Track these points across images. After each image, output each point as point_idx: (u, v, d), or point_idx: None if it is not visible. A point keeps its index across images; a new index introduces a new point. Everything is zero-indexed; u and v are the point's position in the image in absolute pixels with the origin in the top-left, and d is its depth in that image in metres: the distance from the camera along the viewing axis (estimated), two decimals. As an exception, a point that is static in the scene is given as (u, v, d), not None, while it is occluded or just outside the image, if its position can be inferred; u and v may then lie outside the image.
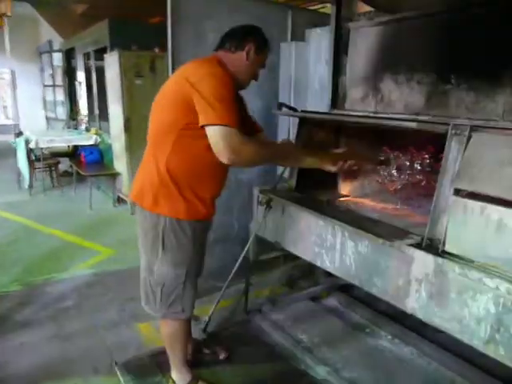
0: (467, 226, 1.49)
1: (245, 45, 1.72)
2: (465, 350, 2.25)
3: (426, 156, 2.26)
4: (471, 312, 1.48)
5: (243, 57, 1.72)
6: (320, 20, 2.96)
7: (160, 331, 1.92)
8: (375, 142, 2.51)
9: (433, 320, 1.62)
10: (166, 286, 1.74)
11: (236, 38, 1.73)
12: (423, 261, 1.62)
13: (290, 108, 2.25)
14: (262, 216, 2.33)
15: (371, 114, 2.17)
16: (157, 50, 4.56)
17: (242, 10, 2.52)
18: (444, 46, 1.87)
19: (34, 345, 2.33)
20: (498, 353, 1.43)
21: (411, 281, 1.68)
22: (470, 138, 1.53)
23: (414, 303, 1.68)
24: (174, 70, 2.32)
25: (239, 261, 2.33)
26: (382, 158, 2.15)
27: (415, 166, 2.24)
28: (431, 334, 2.48)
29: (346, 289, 2.94)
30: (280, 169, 2.44)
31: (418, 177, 2.25)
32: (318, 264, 2.16)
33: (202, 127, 1.55)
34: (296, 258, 3.03)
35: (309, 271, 3.13)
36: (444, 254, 1.57)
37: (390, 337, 2.48)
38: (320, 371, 2.06)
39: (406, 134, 2.43)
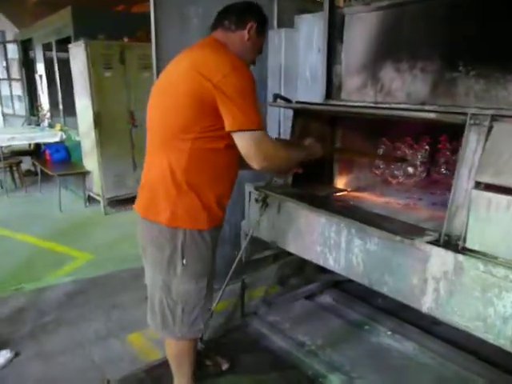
0: (491, 220, 1.42)
1: (246, 22, 1.54)
2: (464, 342, 2.23)
3: (427, 147, 2.20)
4: (497, 310, 1.42)
5: (244, 36, 1.55)
6: (306, 6, 2.84)
7: (167, 351, 1.75)
8: (372, 133, 2.44)
9: (452, 319, 1.55)
10: (188, 303, 1.58)
11: (236, 14, 1.56)
12: (442, 258, 1.54)
13: (285, 99, 2.13)
14: (259, 214, 2.20)
15: (372, 104, 2.07)
16: (126, 39, 4.30)
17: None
18: (451, 31, 1.78)
19: (13, 367, 2.12)
20: (528, 352, 1.37)
21: (428, 279, 1.60)
22: (491, 128, 1.46)
23: (431, 302, 1.60)
24: (158, 57, 2.14)
25: (235, 262, 2.20)
26: (398, 156, 2.05)
27: (417, 157, 2.17)
28: (428, 326, 2.46)
29: (339, 285, 2.87)
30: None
31: (419, 169, 2.18)
32: (321, 263, 2.06)
33: (224, 129, 1.42)
34: (286, 255, 2.96)
35: (299, 268, 3.04)
36: (464, 250, 1.50)
37: (389, 332, 2.42)
38: (334, 380, 1.96)
39: (403, 124, 2.37)
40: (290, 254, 2.80)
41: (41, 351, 2.22)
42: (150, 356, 2.13)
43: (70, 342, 2.29)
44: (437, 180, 2.27)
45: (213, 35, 1.59)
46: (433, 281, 1.58)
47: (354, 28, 2.15)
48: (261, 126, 1.43)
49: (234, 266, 2.19)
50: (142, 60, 4.31)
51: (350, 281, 2.80)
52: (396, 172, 2.13)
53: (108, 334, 2.35)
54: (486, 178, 1.42)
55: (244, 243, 2.24)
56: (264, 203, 2.19)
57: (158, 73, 2.15)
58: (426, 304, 1.62)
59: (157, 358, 2.08)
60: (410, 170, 2.11)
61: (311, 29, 2.40)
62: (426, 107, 1.84)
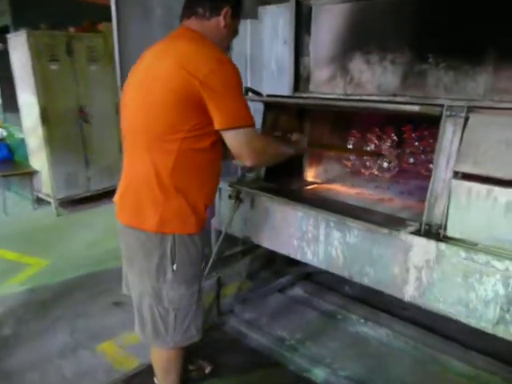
0: (471, 209, 1.46)
1: (221, 8, 1.44)
2: (430, 323, 2.33)
3: (395, 137, 2.24)
4: (478, 295, 1.47)
5: (220, 22, 1.45)
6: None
7: (153, 358, 1.67)
8: (340, 124, 2.45)
9: (435, 306, 1.59)
10: (181, 309, 1.50)
11: (209, 1, 1.45)
12: (424, 247, 1.57)
13: (256, 93, 2.08)
14: (232, 211, 2.15)
15: (342, 96, 2.07)
16: (72, 29, 4.03)
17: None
18: (420, 23, 1.81)
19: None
20: (509, 332, 1.43)
21: (410, 268, 1.63)
22: (467, 119, 1.50)
23: (414, 291, 1.64)
24: (120, 50, 2.02)
25: (211, 261, 2.14)
26: (375, 151, 2.07)
27: (390, 150, 2.21)
28: (398, 311, 2.54)
29: (309, 277, 2.90)
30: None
31: (390, 160, 2.22)
32: (298, 258, 2.05)
33: (210, 126, 1.36)
34: (255, 249, 2.93)
35: (269, 262, 3.02)
36: (446, 238, 1.54)
37: (362, 320, 2.47)
38: (318, 373, 1.97)
39: (370, 116, 2.40)
40: (258, 247, 2.79)
41: (2, 370, 2.05)
42: (125, 365, 2.02)
43: (35, 357, 2.12)
44: (402, 169, 2.33)
45: (186, 25, 1.48)
46: (415, 270, 1.62)
47: (322, 20, 2.14)
48: (251, 121, 1.39)
49: (209, 265, 2.13)
50: (91, 52, 4.07)
51: (320, 272, 2.89)
52: (368, 163, 2.15)
53: (76, 345, 2.21)
54: (466, 168, 1.46)
55: (218, 241, 2.18)
56: (238, 199, 2.14)
57: (122, 66, 2.02)
58: (409, 293, 1.66)
59: (133, 366, 1.98)
60: (383, 161, 2.14)
61: (276, 20, 2.36)
62: (397, 98, 1.87)
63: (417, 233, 1.60)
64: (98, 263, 3.10)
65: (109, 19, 4.05)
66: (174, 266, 1.44)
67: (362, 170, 2.17)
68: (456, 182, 1.49)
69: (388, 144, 2.17)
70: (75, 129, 4.11)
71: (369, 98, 1.89)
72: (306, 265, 2.73)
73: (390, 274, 1.70)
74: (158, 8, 2.15)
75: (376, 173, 2.18)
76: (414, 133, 2.24)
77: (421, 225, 1.61)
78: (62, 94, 3.94)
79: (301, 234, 2.00)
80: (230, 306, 2.45)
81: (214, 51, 1.36)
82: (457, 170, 1.48)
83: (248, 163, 1.44)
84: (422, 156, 2.19)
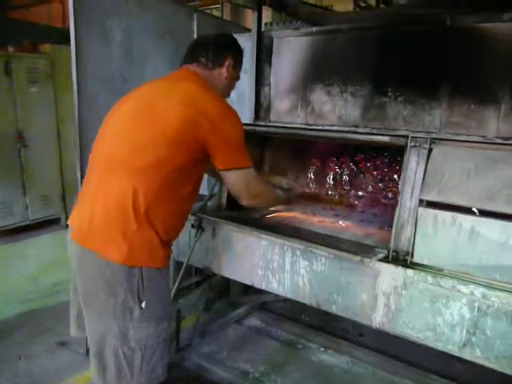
0: (437, 235, 1.53)
1: (224, 59, 1.53)
2: (384, 348, 2.38)
3: (353, 166, 2.31)
4: (445, 319, 1.52)
5: (222, 73, 1.54)
6: (224, 27, 2.84)
7: None
8: (298, 154, 2.50)
9: (403, 332, 1.62)
10: (148, 349, 1.38)
11: (212, 51, 1.52)
12: (392, 274, 1.61)
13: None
14: (194, 240, 2.08)
15: (305, 126, 2.11)
16: (11, 48, 3.81)
17: (151, 9, 2.24)
18: (380, 59, 1.92)
19: None
20: (475, 355, 1.48)
21: (378, 295, 1.66)
22: (430, 150, 1.58)
23: (382, 317, 1.66)
24: (79, 73, 1.92)
25: (172, 294, 2.03)
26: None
27: (344, 177, 2.27)
28: (355, 338, 2.57)
29: (264, 305, 2.86)
30: (210, 185, 2.22)
31: (345, 187, 2.28)
32: (263, 287, 2.01)
33: (197, 163, 1.40)
34: (209, 279, 2.85)
35: (223, 291, 2.95)
36: (413, 265, 1.59)
37: (322, 348, 2.46)
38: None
39: (327, 145, 2.47)
40: (212, 277, 2.72)
41: None
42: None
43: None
44: (358, 197, 2.41)
45: (191, 69, 1.52)
46: (383, 296, 1.64)
47: (283, 51, 2.20)
48: (251, 163, 1.47)
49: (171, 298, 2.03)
50: (31, 73, 3.85)
51: (275, 301, 2.87)
52: (330, 192, 2.19)
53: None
54: (431, 196, 1.53)
55: (180, 273, 2.09)
56: (200, 228, 2.08)
57: (79, 90, 1.92)
58: (377, 319, 1.68)
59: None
60: (343, 189, 2.20)
61: (237, 50, 2.38)
62: (360, 129, 1.95)
63: (384, 260, 1.64)
64: (39, 299, 2.85)
65: (55, 41, 3.93)
66: (143, 304, 1.34)
67: (324, 198, 2.21)
68: (422, 210, 1.55)
69: (346, 172, 2.23)
70: (12, 154, 3.81)
71: (334, 129, 1.95)
72: (260, 293, 2.71)
73: (358, 301, 1.71)
74: (118, 32, 2.09)
75: (334, 198, 2.23)
76: (368, 162, 2.33)
77: (388, 252, 1.65)
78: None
79: (265, 263, 1.97)
80: (188, 340, 2.34)
81: (221, 100, 1.44)
82: (422, 198, 1.55)
83: (244, 202, 1.54)
84: (379, 184, 2.27)
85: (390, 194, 2.05)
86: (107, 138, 1.42)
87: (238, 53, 1.60)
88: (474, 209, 1.46)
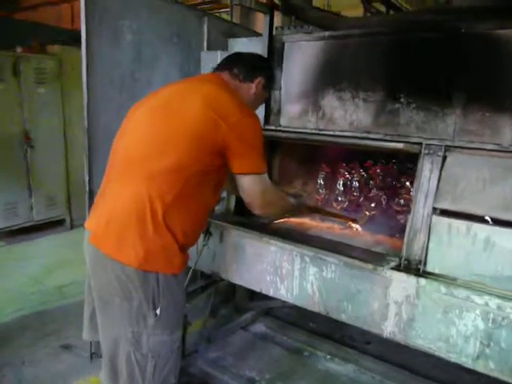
0: (451, 244, 1.50)
1: (255, 77, 1.57)
2: (391, 357, 2.35)
3: (363, 173, 2.29)
4: (459, 330, 1.49)
5: (251, 89, 1.57)
6: (233, 30, 2.82)
7: None
8: (308, 159, 2.48)
9: (415, 342, 1.59)
10: (161, 357, 1.36)
11: (247, 67, 1.57)
12: (403, 282, 1.58)
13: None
14: (202, 244, 2.06)
15: (315, 131, 2.09)
16: (19, 49, 3.81)
17: (161, 12, 2.23)
18: (392, 64, 1.89)
19: None
20: (488, 367, 1.45)
21: (389, 304, 1.63)
22: (444, 157, 1.56)
23: (393, 327, 1.63)
24: (89, 74, 1.91)
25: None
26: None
27: (354, 183, 2.25)
28: (361, 346, 2.54)
29: (270, 311, 2.83)
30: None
31: (355, 194, 2.26)
32: (271, 294, 1.99)
33: (217, 168, 1.39)
34: (215, 284, 2.83)
35: (228, 296, 2.93)
36: (425, 274, 1.56)
37: (329, 356, 2.43)
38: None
39: (336, 151, 2.45)
40: (217, 282, 2.69)
41: None
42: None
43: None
44: (365, 203, 2.38)
45: (221, 76, 1.55)
46: (394, 305, 1.62)
47: (295, 55, 2.18)
48: (266, 170, 1.45)
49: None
50: (40, 74, 3.85)
51: (281, 307, 2.84)
52: (339, 198, 2.17)
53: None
54: (446, 205, 1.51)
55: (187, 278, 2.06)
56: (207, 232, 2.06)
57: (89, 91, 1.91)
58: (388, 329, 1.65)
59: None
60: (352, 195, 2.17)
61: (247, 53, 2.37)
62: (371, 135, 1.92)
63: (396, 268, 1.61)
64: (43, 301, 2.83)
65: (64, 42, 3.93)
66: (158, 311, 1.32)
67: (334, 205, 2.19)
68: (436, 218, 1.53)
69: (356, 179, 2.21)
70: (19, 154, 3.81)
71: (347, 134, 1.93)
72: (266, 299, 2.68)
73: (368, 309, 1.69)
74: (128, 33, 2.08)
75: (344, 205, 2.20)
76: (378, 169, 2.31)
77: (400, 260, 1.62)
78: (6, 117, 3.67)
79: (274, 269, 1.95)
80: (195, 346, 2.31)
81: (242, 103, 1.42)
82: (436, 206, 1.53)
83: (257, 209, 1.48)
84: (389, 192, 2.25)
85: (401, 201, 2.02)
86: (127, 137, 1.41)
87: (270, 75, 1.66)
88: (488, 218, 1.43)
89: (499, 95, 1.65)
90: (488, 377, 1.45)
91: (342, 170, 2.18)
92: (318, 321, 2.70)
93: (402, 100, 1.88)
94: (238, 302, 2.92)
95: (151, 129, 1.37)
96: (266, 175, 1.44)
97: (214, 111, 1.31)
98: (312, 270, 1.82)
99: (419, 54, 1.82)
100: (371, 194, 2.16)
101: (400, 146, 1.61)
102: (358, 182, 2.22)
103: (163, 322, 1.34)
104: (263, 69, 1.61)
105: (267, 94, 1.71)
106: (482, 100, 1.68)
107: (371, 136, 1.90)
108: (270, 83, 1.68)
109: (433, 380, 2.21)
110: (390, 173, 2.20)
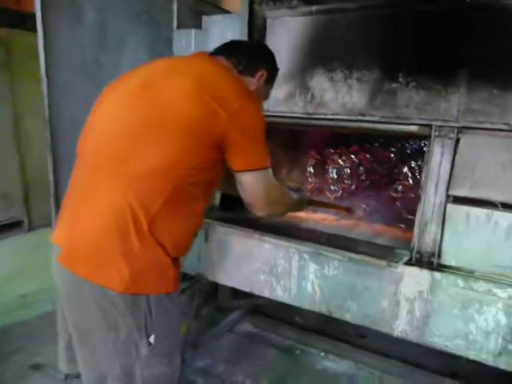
0: (469, 234, 1.38)
1: (257, 70, 1.34)
2: (387, 349, 2.26)
3: (354, 158, 2.15)
4: (478, 326, 1.39)
5: (252, 83, 1.34)
6: (202, 8, 2.59)
7: None
8: (294, 146, 2.31)
9: (429, 341, 1.48)
10: None
11: (248, 58, 1.33)
12: (416, 277, 1.46)
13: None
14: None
15: (304, 115, 1.92)
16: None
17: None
18: (390, 41, 1.74)
19: None
20: (512, 364, 1.37)
21: (400, 301, 1.51)
22: (458, 140, 1.43)
23: (405, 325, 1.52)
24: (47, 55, 1.64)
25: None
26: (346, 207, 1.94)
27: (346, 170, 2.11)
28: (355, 340, 2.43)
29: (256, 309, 2.68)
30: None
31: (348, 181, 2.12)
32: (265, 295, 1.83)
33: (213, 164, 1.14)
34: (198, 284, 2.64)
35: (210, 295, 2.74)
36: (440, 267, 1.44)
37: (322, 354, 2.31)
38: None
39: (324, 135, 2.30)
40: (197, 282, 2.51)
41: None
42: None
43: None
44: (360, 191, 2.25)
45: (217, 58, 1.30)
46: (406, 302, 1.50)
47: (278, 33, 1.98)
48: (270, 163, 1.22)
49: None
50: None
51: (267, 304, 2.69)
52: (332, 187, 2.02)
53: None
54: (463, 192, 1.38)
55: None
56: (193, 232, 1.86)
57: (48, 78, 1.65)
58: (399, 327, 1.53)
59: None
60: (345, 183, 2.03)
61: (223, 32, 2.16)
62: (366, 118, 1.77)
63: (407, 262, 1.49)
64: (6, 314, 2.53)
65: (10, 24, 3.53)
66: (152, 338, 1.09)
67: (328, 195, 2.03)
68: (452, 207, 1.40)
69: (348, 165, 2.06)
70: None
71: (344, 118, 1.77)
72: (251, 296, 2.52)
73: (377, 308, 1.56)
74: (90, 10, 1.81)
75: (338, 195, 2.06)
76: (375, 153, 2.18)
77: (411, 253, 1.50)
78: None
79: (268, 269, 1.79)
80: (181, 355, 2.11)
81: (244, 85, 1.20)
82: (452, 193, 1.40)
83: (261, 212, 1.27)
84: (381, 177, 2.12)
85: (399, 187, 1.90)
86: (98, 129, 1.14)
87: (273, 69, 1.44)
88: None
89: (508, 71, 1.53)
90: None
91: (333, 157, 2.03)
92: (305, 315, 2.57)
93: (400, 79, 1.73)
94: (220, 301, 2.75)
95: (130, 118, 1.10)
96: (270, 170, 1.22)
97: (210, 95, 1.07)
98: (312, 268, 1.68)
99: (419, 28, 1.67)
100: (366, 182, 2.03)
101: (412, 128, 1.47)
102: (350, 168, 2.08)
103: (159, 351, 1.12)
104: (266, 60, 1.39)
105: (269, 90, 1.48)
106: (489, 77, 1.56)
107: (367, 118, 1.75)
108: (273, 77, 1.45)
109: (433, 371, 2.14)
110: (383, 158, 2.07)
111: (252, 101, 1.16)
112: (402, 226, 1.89)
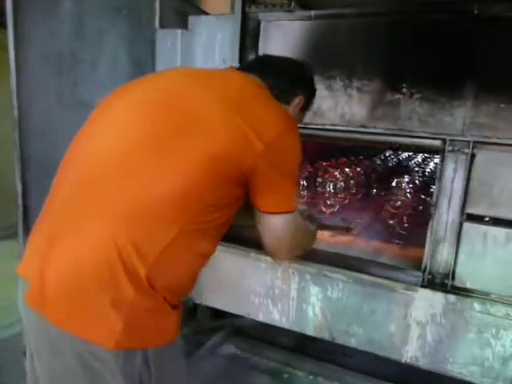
0: (486, 255, 1.31)
1: (294, 96, 1.14)
2: (375, 369, 2.19)
3: (348, 172, 2.06)
4: (495, 352, 1.32)
5: (287, 109, 1.12)
6: (186, 8, 2.44)
7: None
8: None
9: (442, 367, 1.40)
10: None
11: (286, 83, 1.12)
12: (428, 300, 1.38)
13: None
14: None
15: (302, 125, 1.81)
16: None
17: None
18: (394, 50, 1.67)
19: None
20: (530, 392, 1.30)
21: (410, 325, 1.42)
22: (473, 155, 1.36)
23: (416, 351, 1.43)
24: (17, 49, 1.44)
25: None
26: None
27: (341, 184, 2.01)
28: (340, 360, 2.34)
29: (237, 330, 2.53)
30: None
31: (345, 196, 2.02)
32: (261, 319, 1.70)
33: (234, 201, 0.94)
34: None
35: (189, 314, 2.56)
36: (454, 289, 1.36)
37: (311, 377, 2.20)
38: None
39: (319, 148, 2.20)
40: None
41: None
42: None
43: None
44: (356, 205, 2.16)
45: (252, 77, 1.08)
46: (417, 326, 1.41)
47: (273, 37, 1.87)
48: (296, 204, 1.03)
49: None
50: None
51: (249, 325, 2.54)
52: (329, 201, 1.91)
53: None
54: (480, 210, 1.31)
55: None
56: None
57: (19, 73, 1.45)
58: (409, 353, 1.44)
59: None
60: (341, 197, 1.93)
61: (213, 34, 2.01)
62: (368, 130, 1.69)
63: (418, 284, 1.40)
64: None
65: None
66: None
67: (323, 209, 1.93)
68: (469, 226, 1.33)
69: (342, 179, 1.97)
70: None
71: (349, 129, 1.67)
72: (232, 316, 2.37)
73: (384, 332, 1.46)
74: (67, 1, 1.63)
75: (335, 210, 1.95)
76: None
77: (423, 274, 1.41)
78: None
79: (264, 290, 1.66)
80: None
81: (284, 111, 1.00)
82: (469, 211, 1.33)
83: (281, 257, 1.16)
84: (373, 191, 2.05)
85: (398, 203, 1.82)
86: (97, 141, 0.91)
87: (311, 93, 1.26)
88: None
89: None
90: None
91: (329, 169, 1.93)
92: (290, 336, 2.45)
93: (403, 90, 1.66)
94: (200, 320, 2.57)
95: (142, 132, 0.88)
96: (295, 212, 1.01)
97: (243, 119, 0.87)
98: (313, 290, 1.56)
99: (424, 39, 1.61)
100: (361, 196, 1.95)
101: (427, 142, 1.39)
102: (345, 182, 1.99)
103: None
104: (303, 85, 1.20)
105: (305, 114, 1.30)
106: (497, 90, 1.52)
107: (367, 130, 1.67)
108: (310, 102, 1.27)
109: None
110: (380, 172, 2.00)
111: (293, 130, 0.97)
112: (400, 242, 1.81)
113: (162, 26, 2.18)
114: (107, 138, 0.90)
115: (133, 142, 0.87)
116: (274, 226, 0.98)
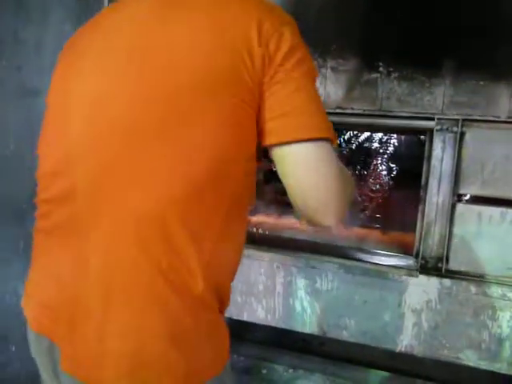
0: (481, 236, 1.27)
1: None
2: (358, 356, 2.16)
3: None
4: (492, 333, 1.29)
5: None
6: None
7: None
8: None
9: (438, 353, 1.36)
10: None
11: None
12: (423, 286, 1.33)
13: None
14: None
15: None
16: None
17: None
18: (369, 26, 1.59)
19: None
20: (527, 371, 1.29)
21: (405, 313, 1.36)
22: (462, 134, 1.31)
23: (411, 339, 1.38)
24: None
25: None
26: None
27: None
28: (316, 349, 2.29)
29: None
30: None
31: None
32: (245, 318, 1.59)
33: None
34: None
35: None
36: (449, 273, 1.32)
37: (291, 370, 2.11)
38: None
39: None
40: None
41: None
42: None
43: None
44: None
45: None
46: (412, 314, 1.36)
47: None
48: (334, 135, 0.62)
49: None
50: None
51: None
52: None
53: None
54: (473, 190, 1.27)
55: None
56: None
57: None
58: (404, 342, 1.39)
59: None
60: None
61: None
62: (346, 111, 1.61)
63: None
64: None
65: None
66: None
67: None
68: (462, 207, 1.28)
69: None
70: None
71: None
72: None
73: (378, 323, 1.40)
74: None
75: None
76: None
77: (416, 259, 1.36)
78: None
79: (247, 288, 1.55)
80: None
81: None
82: (461, 192, 1.28)
83: (331, 219, 0.59)
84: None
85: (377, 186, 1.77)
86: (81, 133, 0.60)
87: None
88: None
89: (497, 60, 1.45)
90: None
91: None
92: (263, 329, 2.36)
93: (380, 69, 1.59)
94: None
95: (143, 96, 0.57)
96: (333, 144, 0.62)
97: (225, 31, 0.57)
98: (301, 283, 1.46)
99: (402, 11, 1.54)
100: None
101: (423, 122, 1.32)
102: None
103: None
104: None
105: None
106: (476, 67, 1.48)
107: (346, 111, 1.59)
108: None
109: (412, 376, 2.06)
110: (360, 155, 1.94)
111: (301, 40, 0.63)
112: (379, 226, 1.76)
113: (111, 0, 1.97)
114: (94, 126, 0.60)
115: (138, 123, 0.57)
116: (310, 162, 0.58)
